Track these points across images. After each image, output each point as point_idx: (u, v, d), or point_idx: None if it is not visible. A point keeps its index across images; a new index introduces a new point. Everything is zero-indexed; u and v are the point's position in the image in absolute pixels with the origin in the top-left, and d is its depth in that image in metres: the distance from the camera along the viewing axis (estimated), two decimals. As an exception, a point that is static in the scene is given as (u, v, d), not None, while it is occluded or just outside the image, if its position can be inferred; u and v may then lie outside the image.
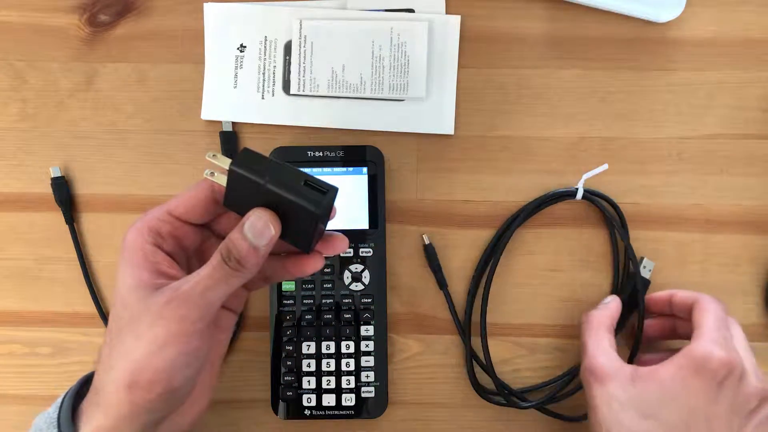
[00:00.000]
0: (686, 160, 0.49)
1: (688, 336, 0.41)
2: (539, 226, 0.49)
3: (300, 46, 0.49)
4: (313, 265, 0.37)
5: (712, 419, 0.38)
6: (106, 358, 0.34)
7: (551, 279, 0.49)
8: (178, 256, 0.37)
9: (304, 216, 0.33)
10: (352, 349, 0.47)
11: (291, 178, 0.33)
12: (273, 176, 0.33)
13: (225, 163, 0.34)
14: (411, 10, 0.50)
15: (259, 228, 0.33)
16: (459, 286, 0.49)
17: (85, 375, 0.37)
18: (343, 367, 0.47)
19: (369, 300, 0.48)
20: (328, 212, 0.34)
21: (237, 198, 0.35)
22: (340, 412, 0.47)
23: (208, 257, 0.35)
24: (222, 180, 0.35)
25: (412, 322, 0.49)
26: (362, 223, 0.48)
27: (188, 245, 0.37)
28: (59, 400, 0.36)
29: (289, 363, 0.47)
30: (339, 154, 0.48)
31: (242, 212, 0.35)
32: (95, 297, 0.49)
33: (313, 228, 0.34)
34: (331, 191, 0.34)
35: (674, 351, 0.40)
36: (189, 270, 0.37)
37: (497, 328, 0.49)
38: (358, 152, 0.49)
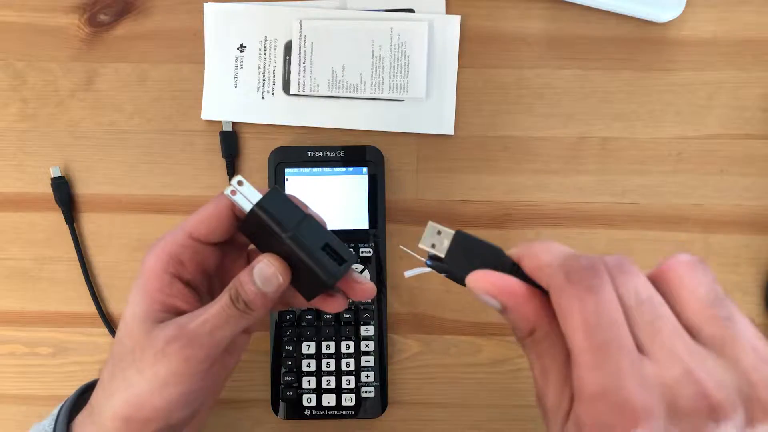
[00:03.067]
0: (686, 160, 0.49)
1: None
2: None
3: (300, 46, 0.49)
4: (337, 306, 0.36)
5: None
6: (107, 382, 0.34)
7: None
8: (198, 281, 0.35)
9: (314, 277, 0.33)
10: (352, 349, 0.47)
11: (313, 237, 0.32)
12: (295, 230, 0.32)
13: (251, 196, 0.33)
14: (411, 10, 0.50)
15: (267, 275, 0.32)
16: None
17: (81, 387, 0.37)
18: (343, 367, 0.47)
19: (369, 300, 0.48)
20: (338, 280, 0.33)
21: (253, 231, 0.34)
22: (340, 412, 0.47)
23: (231, 275, 0.34)
24: (244, 203, 0.33)
25: (412, 322, 0.49)
26: (362, 223, 0.48)
27: (210, 265, 0.36)
28: (55, 411, 0.36)
29: (289, 363, 0.47)
30: (339, 154, 0.48)
31: (256, 244, 0.34)
32: (95, 297, 0.49)
33: (321, 288, 0.34)
34: (348, 261, 0.33)
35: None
36: (210, 290, 0.36)
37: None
38: (358, 152, 0.49)
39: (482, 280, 0.26)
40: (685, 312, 0.24)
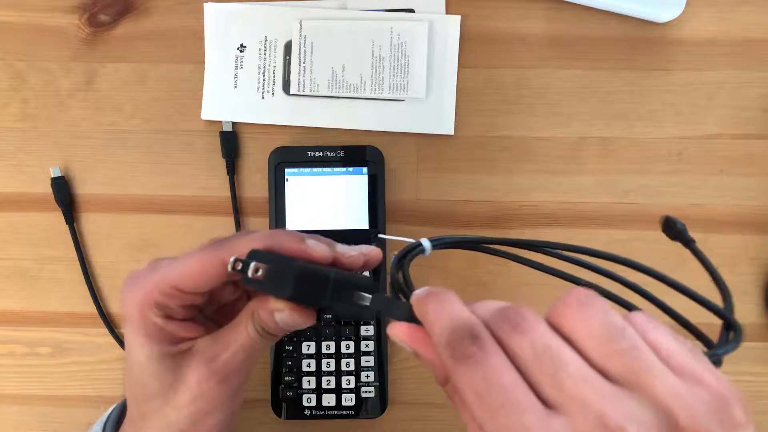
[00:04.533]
0: (686, 160, 0.49)
1: None
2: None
3: (300, 46, 0.49)
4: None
5: None
6: (139, 423, 0.34)
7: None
8: (190, 313, 0.34)
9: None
10: (352, 349, 0.47)
11: (344, 299, 0.30)
12: (330, 304, 0.30)
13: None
14: (411, 10, 0.50)
15: (291, 323, 0.32)
16: (464, 286, 0.49)
17: (117, 407, 0.38)
18: (343, 367, 0.47)
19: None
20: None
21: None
22: (340, 412, 0.47)
23: (219, 296, 0.34)
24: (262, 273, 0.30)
25: (412, 322, 0.49)
26: (362, 223, 0.48)
27: (198, 301, 0.35)
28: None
29: (289, 363, 0.47)
30: (339, 154, 0.48)
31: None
32: (95, 297, 0.49)
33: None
34: (373, 302, 0.31)
35: None
36: (199, 310, 0.35)
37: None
38: (358, 152, 0.49)
39: (396, 326, 0.27)
40: (588, 354, 0.23)
